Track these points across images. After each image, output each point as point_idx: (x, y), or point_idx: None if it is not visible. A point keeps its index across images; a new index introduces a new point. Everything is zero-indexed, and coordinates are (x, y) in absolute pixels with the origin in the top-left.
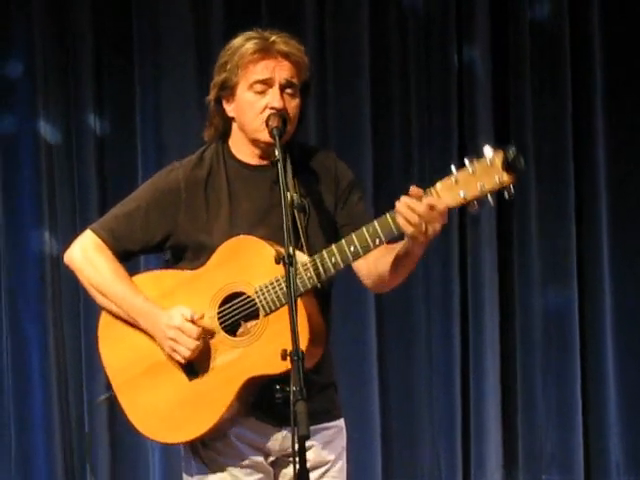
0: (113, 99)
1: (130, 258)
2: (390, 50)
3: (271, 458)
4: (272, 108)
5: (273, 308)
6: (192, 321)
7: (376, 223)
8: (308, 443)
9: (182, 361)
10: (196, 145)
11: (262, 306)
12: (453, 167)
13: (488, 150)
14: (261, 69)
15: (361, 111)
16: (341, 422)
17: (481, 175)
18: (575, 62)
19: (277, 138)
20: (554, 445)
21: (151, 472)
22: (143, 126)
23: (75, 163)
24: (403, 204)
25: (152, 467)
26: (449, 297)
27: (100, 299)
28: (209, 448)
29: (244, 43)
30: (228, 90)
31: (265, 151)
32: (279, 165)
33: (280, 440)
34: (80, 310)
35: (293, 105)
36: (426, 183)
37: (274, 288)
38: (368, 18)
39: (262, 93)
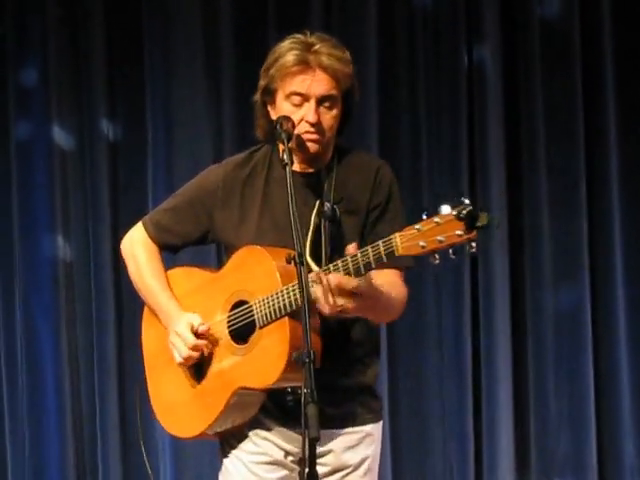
0: (125, 105)
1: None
2: (399, 50)
3: (292, 457)
4: (307, 122)
5: (265, 322)
6: (195, 331)
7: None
8: (327, 447)
9: (180, 361)
10: (207, 150)
11: (258, 318)
12: (424, 215)
13: (464, 201)
14: (298, 83)
15: (369, 110)
16: (370, 427)
17: (444, 227)
18: (585, 60)
19: (286, 142)
20: (567, 446)
21: (162, 473)
22: (155, 132)
23: (88, 168)
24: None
25: (163, 466)
26: (460, 297)
27: (138, 291)
28: (234, 445)
29: (286, 52)
30: (270, 95)
31: (304, 157)
32: (287, 169)
33: (299, 443)
34: (93, 314)
35: (329, 117)
36: (434, 185)
37: (268, 302)
38: (376, 17)
39: (299, 105)
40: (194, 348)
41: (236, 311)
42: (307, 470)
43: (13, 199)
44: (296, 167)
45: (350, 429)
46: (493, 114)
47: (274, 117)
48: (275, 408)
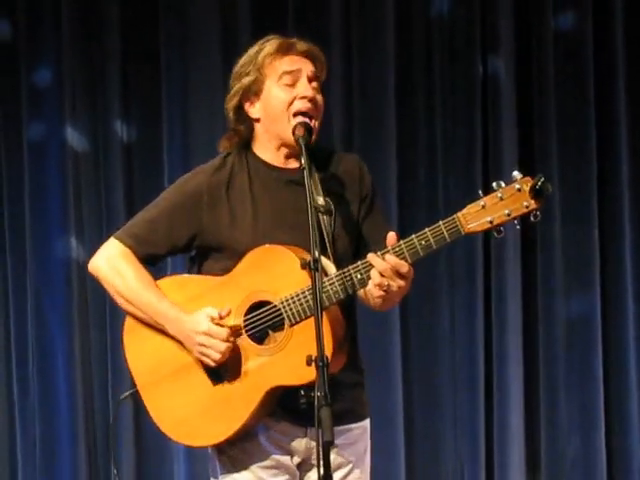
0: (140, 106)
1: (156, 262)
2: (415, 60)
3: (296, 459)
4: (303, 97)
5: (298, 319)
6: (220, 319)
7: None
8: None
9: (213, 365)
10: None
11: (287, 317)
12: (481, 192)
13: (516, 175)
14: (288, 62)
15: (386, 120)
16: (366, 423)
17: (509, 201)
18: (599, 70)
19: (303, 147)
20: (577, 450)
21: (176, 476)
22: (169, 133)
23: (102, 169)
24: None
25: (177, 471)
26: (473, 304)
27: (126, 306)
28: (235, 447)
29: (264, 45)
30: (252, 92)
31: (290, 152)
32: (305, 172)
33: (305, 441)
34: (106, 315)
35: (320, 98)
36: (450, 192)
37: (299, 300)
38: (393, 27)
39: (291, 85)
40: (229, 338)
41: (257, 312)
42: (322, 473)
43: (26, 200)
44: (273, 161)
45: (349, 426)
46: (507, 123)
47: (255, 115)
48: (279, 408)
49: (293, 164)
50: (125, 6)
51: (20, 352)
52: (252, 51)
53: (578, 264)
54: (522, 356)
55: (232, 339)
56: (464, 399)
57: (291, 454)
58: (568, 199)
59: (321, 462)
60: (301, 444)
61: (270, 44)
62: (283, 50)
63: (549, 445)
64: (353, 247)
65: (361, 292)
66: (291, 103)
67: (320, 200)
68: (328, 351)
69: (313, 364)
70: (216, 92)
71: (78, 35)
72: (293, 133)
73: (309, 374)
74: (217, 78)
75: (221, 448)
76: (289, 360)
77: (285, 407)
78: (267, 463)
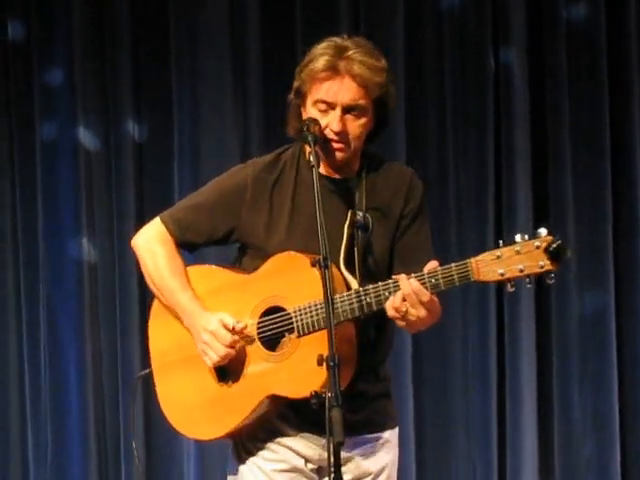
0: (151, 107)
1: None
2: (425, 53)
3: (311, 465)
4: (331, 130)
5: (306, 331)
6: (232, 329)
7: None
8: (349, 454)
9: (209, 364)
10: (234, 152)
11: (297, 327)
12: (501, 242)
13: (541, 232)
14: (325, 90)
15: (396, 113)
16: (389, 434)
17: (525, 257)
18: (612, 63)
19: (312, 144)
20: (591, 453)
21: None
22: (181, 133)
23: (113, 170)
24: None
25: (187, 472)
26: (486, 303)
27: (152, 288)
28: (251, 451)
29: (318, 57)
30: (300, 97)
31: (332, 164)
32: (314, 171)
33: (320, 448)
34: (117, 316)
35: (355, 125)
36: (460, 186)
37: (311, 311)
38: (403, 20)
39: (324, 112)
40: (232, 345)
41: (270, 317)
42: (333, 476)
43: (38, 200)
44: (324, 171)
45: (370, 436)
46: (519, 118)
47: (304, 117)
48: (293, 414)
49: (335, 174)
50: (136, 8)
51: (31, 353)
52: (311, 53)
53: (591, 261)
54: (535, 355)
55: (236, 347)
56: (476, 403)
57: (306, 459)
58: (581, 195)
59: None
60: (315, 451)
61: (321, 61)
62: (327, 72)
63: (563, 447)
64: (387, 264)
65: None
66: (324, 128)
67: (359, 214)
68: (322, 372)
69: (324, 364)
70: (226, 92)
71: (90, 36)
72: (302, 131)
73: (304, 390)
74: (228, 79)
75: (239, 451)
76: (291, 371)
77: (299, 412)
78: (283, 467)
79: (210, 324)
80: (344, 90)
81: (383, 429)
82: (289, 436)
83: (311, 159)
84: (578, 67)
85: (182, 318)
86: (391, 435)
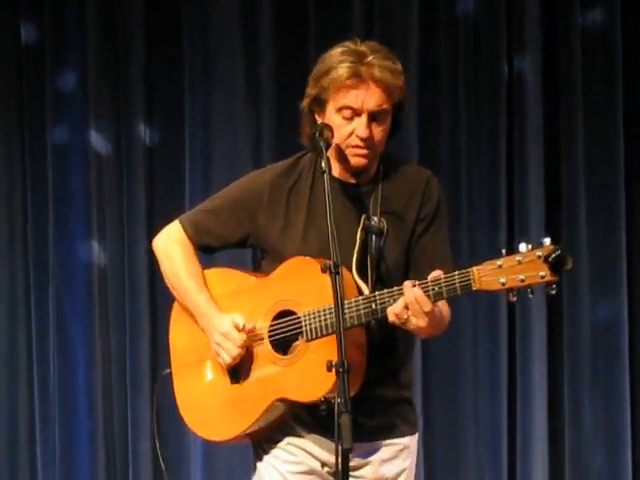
0: (163, 110)
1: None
2: (440, 58)
3: (328, 468)
4: (357, 136)
5: (315, 335)
6: (242, 328)
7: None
8: (365, 459)
9: (223, 365)
10: (245, 156)
11: (306, 331)
12: (504, 251)
13: (545, 242)
14: (351, 97)
15: (409, 117)
16: (407, 440)
17: (526, 266)
18: (627, 71)
19: (324, 150)
20: (602, 461)
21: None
22: (192, 137)
23: (124, 173)
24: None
25: (194, 472)
26: (496, 311)
27: (171, 289)
28: (268, 452)
29: (338, 64)
30: (319, 105)
31: (349, 170)
32: (325, 177)
33: (332, 452)
34: (126, 320)
35: (379, 131)
36: (473, 192)
37: (320, 316)
38: (418, 26)
39: (349, 119)
40: (244, 346)
41: (281, 320)
42: None
43: (49, 203)
44: (339, 176)
45: (388, 441)
46: (532, 124)
47: None
48: (309, 417)
49: (351, 179)
50: (149, 11)
51: (41, 355)
52: (328, 61)
53: (604, 268)
54: (546, 364)
55: (247, 347)
56: (486, 411)
57: (322, 463)
58: (594, 201)
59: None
60: (329, 455)
61: (343, 68)
62: (352, 79)
63: (574, 455)
64: (401, 270)
65: None
66: (348, 136)
67: (374, 220)
68: (329, 378)
69: (333, 370)
70: (238, 96)
71: (102, 40)
72: (314, 136)
73: (312, 394)
74: (240, 82)
75: (259, 452)
76: (299, 375)
77: (313, 415)
78: (298, 469)
79: (222, 325)
80: (370, 96)
81: (402, 435)
82: (305, 438)
83: (322, 165)
84: (593, 73)
85: (197, 319)
86: (410, 441)
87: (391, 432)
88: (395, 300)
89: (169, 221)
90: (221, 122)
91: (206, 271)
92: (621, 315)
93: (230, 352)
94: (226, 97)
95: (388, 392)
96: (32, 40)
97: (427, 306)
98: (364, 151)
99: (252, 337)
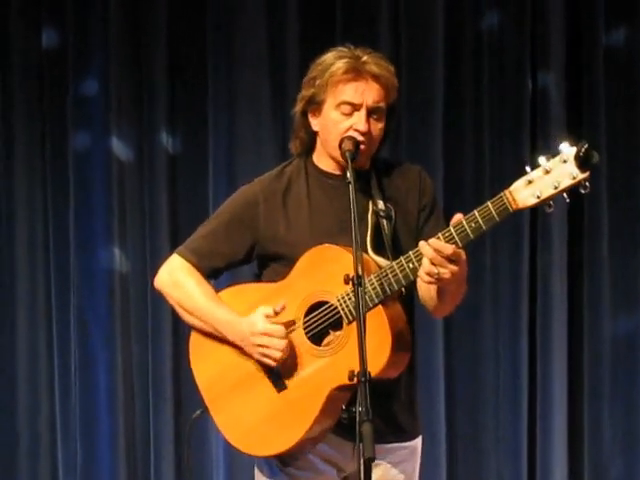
0: (185, 117)
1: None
2: (464, 75)
3: (343, 474)
4: (356, 130)
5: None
6: (275, 315)
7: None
8: (377, 461)
9: (274, 364)
10: (269, 164)
11: (345, 314)
12: (528, 167)
13: (563, 147)
14: (351, 91)
15: (433, 137)
16: (416, 442)
17: (555, 173)
18: None
19: (349, 161)
20: (620, 472)
21: None
22: (215, 145)
23: (146, 180)
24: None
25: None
26: (518, 320)
27: (188, 318)
28: (286, 463)
29: (335, 61)
30: (315, 105)
31: (344, 166)
32: (350, 187)
33: (352, 456)
34: (148, 327)
35: (377, 128)
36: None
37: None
38: (442, 41)
39: (348, 114)
40: (286, 336)
41: (314, 314)
42: None
43: (70, 210)
44: (332, 170)
45: (399, 444)
46: (556, 139)
47: (315, 128)
48: None
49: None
50: (172, 18)
51: (62, 362)
52: (323, 62)
53: (625, 282)
54: (567, 376)
55: (289, 335)
56: (507, 419)
57: (338, 468)
58: (616, 216)
59: None
60: (349, 458)
61: (340, 63)
62: (351, 74)
63: (593, 468)
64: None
65: (421, 292)
66: (346, 131)
67: (380, 204)
68: (386, 349)
69: (355, 379)
70: (262, 104)
71: (125, 46)
72: (340, 147)
73: (378, 365)
74: (264, 90)
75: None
76: (350, 358)
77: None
78: (317, 477)
79: (256, 325)
80: (369, 91)
81: (413, 437)
82: (325, 443)
83: (348, 175)
84: (617, 92)
85: (225, 334)
86: (418, 443)
87: (403, 435)
88: (414, 263)
89: (192, 228)
90: (244, 130)
91: (220, 293)
92: None
93: (277, 346)
94: (250, 105)
95: (401, 394)
96: (54, 46)
97: (447, 249)
98: (362, 146)
99: (290, 336)
